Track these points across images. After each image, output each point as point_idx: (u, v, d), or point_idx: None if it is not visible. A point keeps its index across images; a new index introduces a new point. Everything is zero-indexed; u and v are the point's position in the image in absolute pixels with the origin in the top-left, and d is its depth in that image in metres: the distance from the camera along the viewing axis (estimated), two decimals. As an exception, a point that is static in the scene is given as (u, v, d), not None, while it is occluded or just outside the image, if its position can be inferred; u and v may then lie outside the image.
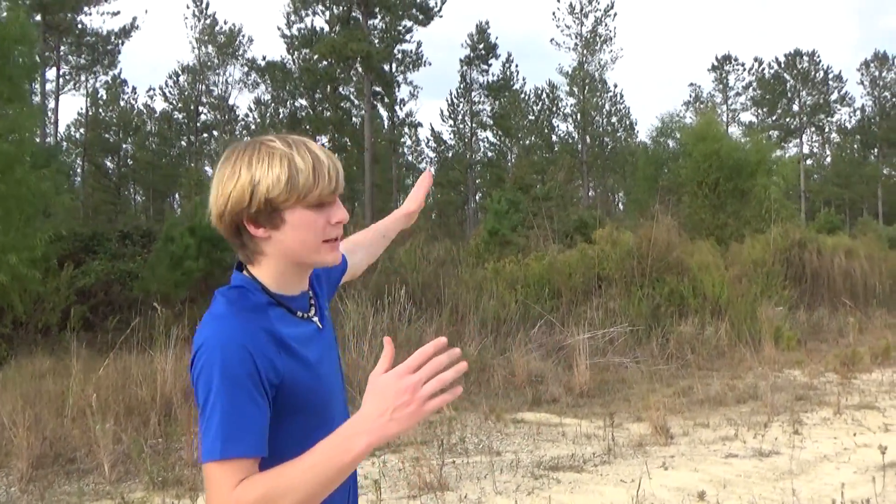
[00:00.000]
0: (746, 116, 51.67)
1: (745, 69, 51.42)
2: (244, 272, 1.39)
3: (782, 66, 51.18)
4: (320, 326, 1.45)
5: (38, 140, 18.22)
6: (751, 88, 51.46)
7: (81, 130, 40.93)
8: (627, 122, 45.39)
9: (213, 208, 1.34)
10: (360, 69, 32.84)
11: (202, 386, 1.22)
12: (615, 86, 47.74)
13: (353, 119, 36.93)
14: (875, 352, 10.44)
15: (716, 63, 51.47)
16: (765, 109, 51.42)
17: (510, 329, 10.87)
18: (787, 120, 51.66)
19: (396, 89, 35.83)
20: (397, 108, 37.70)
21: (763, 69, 51.40)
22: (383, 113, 38.73)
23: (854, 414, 7.18)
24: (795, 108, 51.47)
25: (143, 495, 5.15)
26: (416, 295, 12.37)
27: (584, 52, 39.57)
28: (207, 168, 35.86)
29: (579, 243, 13.82)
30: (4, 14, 11.25)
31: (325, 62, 33.37)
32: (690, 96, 51.64)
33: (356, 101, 35.99)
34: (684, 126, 27.86)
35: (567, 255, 13.27)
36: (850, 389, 8.41)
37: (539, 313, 11.35)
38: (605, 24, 39.60)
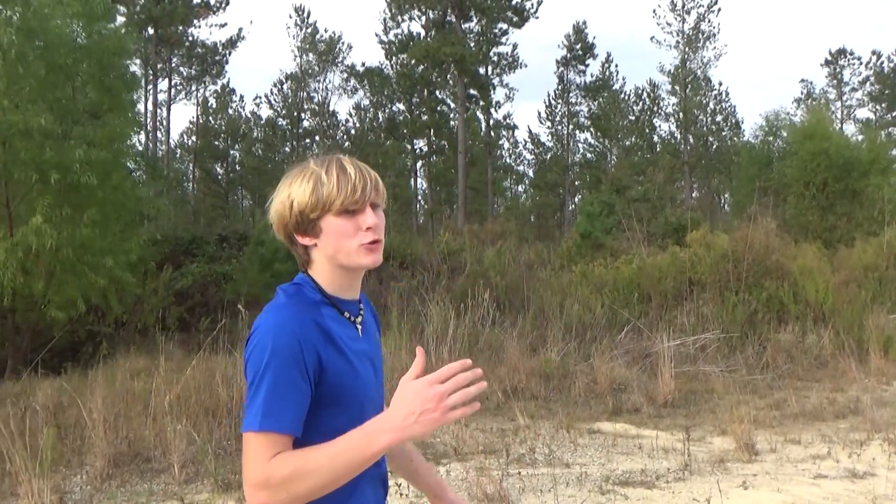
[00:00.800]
0: (863, 113, 48.80)
1: (861, 63, 48.50)
2: (306, 273, 1.55)
3: (903, 58, 48.04)
4: (360, 334, 1.56)
5: (140, 149, 19.02)
6: (868, 83, 48.53)
7: (193, 138, 42.58)
8: (733, 121, 43.59)
9: (272, 222, 1.55)
10: (455, 72, 32.88)
11: (253, 363, 1.36)
12: (720, 83, 46.08)
13: (451, 122, 37.00)
14: None
15: (829, 58, 48.76)
16: (884, 105, 48.34)
17: (595, 334, 10.55)
18: (909, 116, 48.44)
19: (492, 92, 35.62)
20: (493, 110, 37.51)
21: (882, 63, 48.34)
22: (480, 116, 38.62)
23: (967, 433, 6.57)
24: (917, 103, 48.17)
25: (207, 497, 5.19)
26: (501, 298, 12.21)
27: (687, 49, 38.22)
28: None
29: (670, 246, 13.29)
30: (113, 26, 11.77)
31: (421, 66, 33.55)
32: (802, 93, 49.13)
33: (452, 105, 36.04)
34: (790, 124, 26.55)
35: (658, 259, 12.80)
36: (965, 406, 7.72)
37: (626, 318, 10.98)
38: (709, 21, 38.11)
